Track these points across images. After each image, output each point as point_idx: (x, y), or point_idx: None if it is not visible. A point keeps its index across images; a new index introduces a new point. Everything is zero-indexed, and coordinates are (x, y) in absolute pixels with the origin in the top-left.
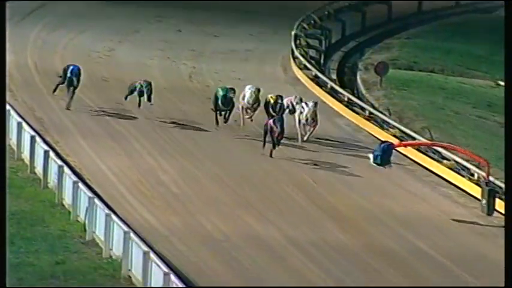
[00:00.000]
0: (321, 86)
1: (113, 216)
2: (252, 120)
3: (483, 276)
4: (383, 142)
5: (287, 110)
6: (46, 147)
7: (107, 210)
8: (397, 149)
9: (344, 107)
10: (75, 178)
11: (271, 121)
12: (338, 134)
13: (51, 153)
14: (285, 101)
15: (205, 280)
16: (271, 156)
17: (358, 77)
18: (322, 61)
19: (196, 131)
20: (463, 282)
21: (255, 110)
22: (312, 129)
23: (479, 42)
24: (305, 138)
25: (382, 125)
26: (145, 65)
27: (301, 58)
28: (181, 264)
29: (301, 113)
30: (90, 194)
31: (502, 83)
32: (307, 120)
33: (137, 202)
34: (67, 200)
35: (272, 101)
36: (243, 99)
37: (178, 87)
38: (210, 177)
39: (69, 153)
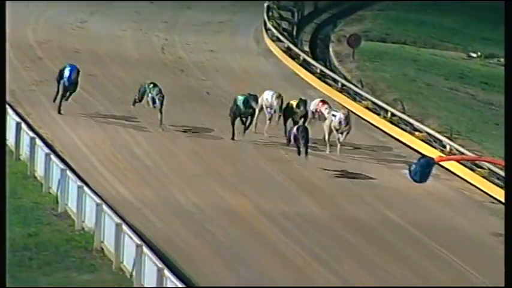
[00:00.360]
0: (293, 58)
1: (85, 189)
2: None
3: (451, 246)
4: (422, 156)
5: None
6: (18, 119)
7: (79, 183)
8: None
9: (316, 79)
10: (47, 150)
11: (295, 130)
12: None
13: (23, 125)
14: (312, 107)
15: (177, 252)
16: (303, 154)
17: (330, 49)
18: (294, 33)
19: (170, 104)
20: (432, 252)
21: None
22: (343, 138)
23: (452, 15)
24: (338, 151)
25: (354, 96)
26: (118, 36)
27: (274, 30)
28: (154, 236)
29: (332, 121)
30: (62, 166)
31: (474, 55)
32: (338, 130)
33: (110, 174)
34: (39, 172)
35: (294, 106)
36: (263, 105)
37: (151, 59)
38: (185, 151)
39: (42, 125)
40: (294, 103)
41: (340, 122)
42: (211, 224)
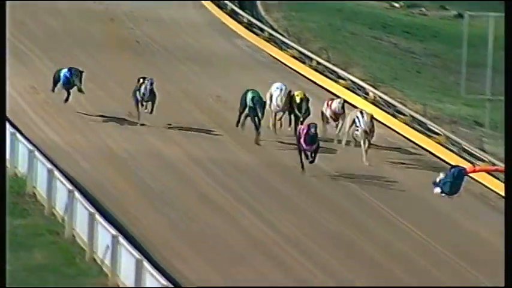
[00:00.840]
0: (221, 8)
1: (18, 135)
2: (281, 126)
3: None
4: (453, 167)
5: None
6: None
7: (11, 129)
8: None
9: (244, 28)
10: None
11: (303, 133)
12: (241, 55)
13: None
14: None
15: (108, 197)
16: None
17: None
18: None
19: (99, 51)
20: (342, 185)
21: (285, 112)
22: (367, 144)
23: None
24: (364, 159)
25: (280, 45)
26: None
27: None
28: (86, 182)
29: (354, 124)
30: None
31: (397, 5)
32: (364, 133)
33: (42, 121)
34: None
35: (298, 99)
36: (271, 100)
37: (81, 9)
38: (115, 97)
39: None
40: (297, 96)
41: (364, 127)
42: (142, 170)
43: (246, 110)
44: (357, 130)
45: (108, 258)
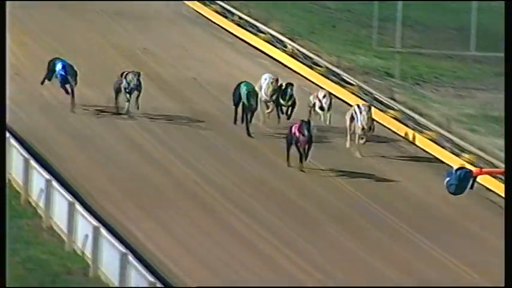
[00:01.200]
0: None
1: None
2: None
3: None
4: (458, 169)
5: (317, 107)
6: None
7: None
8: None
9: None
10: None
11: (295, 128)
12: (166, 10)
13: None
14: (311, 98)
15: (42, 144)
16: (302, 171)
17: None
18: None
19: (34, 7)
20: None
21: (274, 102)
22: (365, 139)
23: None
24: (358, 155)
25: (204, 1)
26: None
27: None
28: (21, 131)
29: (352, 119)
30: None
31: None
32: (363, 129)
33: None
34: None
35: (282, 89)
36: (260, 90)
37: None
38: (48, 50)
39: None
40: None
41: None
42: (73, 117)
43: (241, 104)
44: (353, 125)
45: (43, 201)
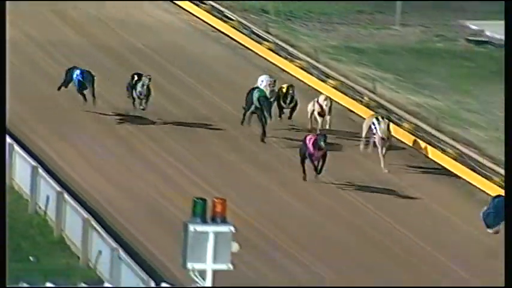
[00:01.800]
0: None
1: None
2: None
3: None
4: (496, 197)
5: (316, 113)
6: None
7: None
8: None
9: None
10: None
11: (310, 142)
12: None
13: None
14: (310, 106)
15: (24, 131)
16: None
17: None
18: None
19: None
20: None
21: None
22: (385, 151)
23: None
24: (382, 165)
25: None
26: None
27: None
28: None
29: (372, 131)
30: None
31: None
32: (381, 140)
33: None
34: None
35: (284, 92)
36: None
37: None
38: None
39: None
40: (283, 89)
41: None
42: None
43: (252, 108)
44: (374, 137)
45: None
